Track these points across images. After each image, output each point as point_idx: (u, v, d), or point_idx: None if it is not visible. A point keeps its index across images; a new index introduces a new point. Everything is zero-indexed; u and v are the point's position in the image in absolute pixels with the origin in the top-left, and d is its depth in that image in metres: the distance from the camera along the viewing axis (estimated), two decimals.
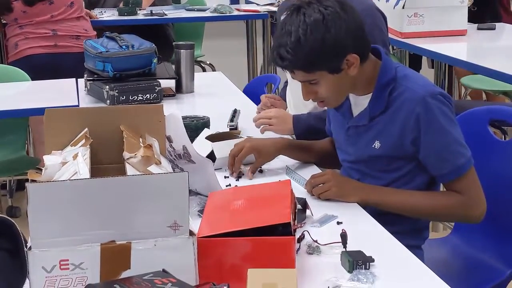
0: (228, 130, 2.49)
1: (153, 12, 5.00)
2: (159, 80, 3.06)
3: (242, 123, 2.60)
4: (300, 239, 1.62)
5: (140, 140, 1.62)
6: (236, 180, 2.08)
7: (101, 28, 4.40)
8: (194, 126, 2.41)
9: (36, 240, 1.22)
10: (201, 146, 2.18)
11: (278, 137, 2.32)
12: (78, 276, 1.24)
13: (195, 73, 3.31)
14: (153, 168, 1.49)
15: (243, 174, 2.12)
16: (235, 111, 2.66)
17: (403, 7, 4.02)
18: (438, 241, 2.34)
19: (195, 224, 1.40)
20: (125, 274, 1.25)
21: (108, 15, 4.98)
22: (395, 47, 4.98)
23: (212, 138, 2.28)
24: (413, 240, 1.96)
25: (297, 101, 2.56)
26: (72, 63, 3.77)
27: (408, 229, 1.96)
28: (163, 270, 1.24)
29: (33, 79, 3.51)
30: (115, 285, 1.18)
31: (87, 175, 1.38)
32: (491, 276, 2.06)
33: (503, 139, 2.87)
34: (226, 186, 2.03)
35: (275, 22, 4.02)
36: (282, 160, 2.19)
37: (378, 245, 1.64)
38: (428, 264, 1.59)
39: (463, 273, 2.19)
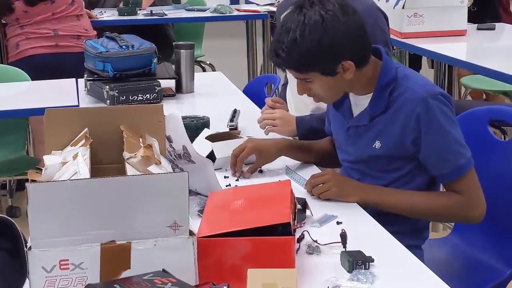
0: (228, 130, 2.49)
1: (153, 12, 5.00)
2: (159, 80, 3.06)
3: (242, 123, 2.60)
4: (300, 239, 1.62)
5: (140, 140, 1.62)
6: (236, 180, 2.09)
7: (101, 28, 4.40)
8: (194, 126, 2.41)
9: (36, 240, 1.22)
10: (201, 146, 2.18)
11: (279, 138, 2.33)
12: (78, 276, 1.24)
13: (195, 73, 3.31)
14: (153, 168, 1.49)
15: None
16: (235, 111, 2.67)
17: (403, 7, 4.02)
18: (438, 241, 2.34)
19: (195, 224, 1.40)
20: (125, 274, 1.25)
21: (108, 15, 4.98)
22: (395, 47, 4.98)
23: (212, 138, 2.28)
24: (413, 240, 1.97)
25: (297, 101, 2.56)
26: (73, 63, 3.77)
27: (408, 229, 1.96)
28: (163, 270, 1.24)
29: (34, 79, 3.51)
30: (115, 285, 1.18)
31: (87, 175, 1.38)
32: (491, 276, 2.06)
33: (503, 139, 2.87)
34: (226, 186, 2.03)
35: (275, 22, 4.02)
36: (282, 160, 2.19)
37: (378, 245, 1.64)
38: (428, 264, 1.59)
39: (463, 273, 2.19)
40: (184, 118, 2.35)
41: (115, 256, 1.25)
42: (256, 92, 3.32)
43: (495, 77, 3.33)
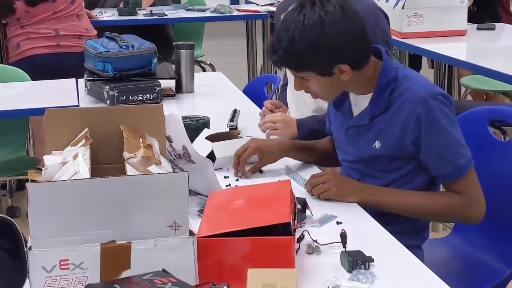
0: (228, 130, 2.49)
1: (153, 12, 5.00)
2: (159, 80, 3.06)
3: (242, 123, 2.60)
4: (299, 239, 1.62)
5: (140, 140, 1.62)
6: (236, 180, 2.09)
7: (101, 28, 4.40)
8: (194, 126, 2.41)
9: (36, 240, 1.22)
10: (201, 146, 2.18)
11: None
12: (78, 276, 1.24)
13: (195, 73, 3.31)
14: (153, 168, 1.49)
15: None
16: (235, 111, 2.67)
17: (402, 7, 4.02)
18: (438, 241, 2.35)
19: (195, 224, 1.40)
20: (125, 274, 1.25)
21: (108, 15, 4.98)
22: (395, 47, 4.98)
23: (212, 138, 2.28)
24: (413, 240, 1.97)
25: (298, 101, 2.56)
26: (74, 62, 3.77)
27: (408, 229, 1.96)
28: (163, 270, 1.24)
29: (35, 79, 3.51)
30: (115, 285, 1.18)
31: (87, 175, 1.38)
32: (490, 276, 2.07)
33: (503, 139, 2.87)
34: (226, 186, 2.03)
35: (275, 22, 4.02)
36: (282, 160, 2.18)
37: (378, 245, 1.64)
38: (428, 264, 1.59)
39: (463, 273, 2.19)
40: (184, 118, 2.35)
41: (115, 256, 1.25)
42: (256, 92, 3.32)
43: (495, 77, 3.33)
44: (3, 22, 4.18)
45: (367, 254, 1.53)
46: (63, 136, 1.62)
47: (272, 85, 3.47)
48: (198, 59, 5.45)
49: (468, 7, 4.16)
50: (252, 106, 2.96)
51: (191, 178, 1.35)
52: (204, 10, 5.30)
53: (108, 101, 2.93)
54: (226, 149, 2.18)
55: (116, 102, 2.91)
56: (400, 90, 1.91)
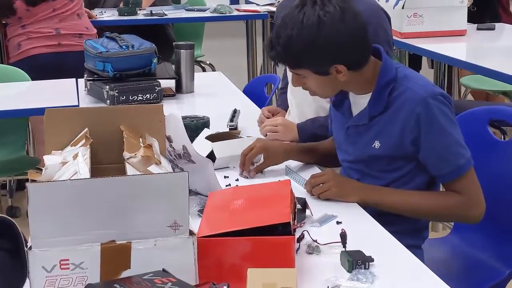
0: (228, 130, 2.49)
1: (153, 12, 5.00)
2: (159, 80, 3.06)
3: (242, 123, 2.60)
4: (299, 239, 1.63)
5: (140, 140, 1.62)
6: (236, 180, 2.09)
7: (101, 28, 4.40)
8: (194, 126, 2.41)
9: (36, 240, 1.22)
10: (201, 146, 2.18)
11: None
12: (78, 275, 1.24)
13: (195, 73, 3.31)
14: (153, 168, 1.49)
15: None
16: (235, 111, 2.67)
17: (402, 7, 4.02)
18: (438, 241, 2.35)
19: (195, 224, 1.40)
20: (125, 274, 1.25)
21: (108, 15, 4.98)
22: (394, 47, 4.98)
23: (212, 138, 2.28)
24: (413, 240, 1.97)
25: (298, 101, 2.57)
26: (75, 61, 3.76)
27: (407, 229, 1.96)
28: (163, 270, 1.24)
29: (35, 79, 3.51)
30: (115, 285, 1.18)
31: (87, 175, 1.39)
32: (490, 275, 2.07)
33: (502, 139, 2.87)
34: (226, 186, 2.03)
35: (275, 22, 4.02)
36: None
37: (378, 245, 1.64)
38: (427, 264, 1.59)
39: (463, 273, 2.19)
40: (184, 118, 2.35)
41: (115, 256, 1.25)
42: (256, 92, 3.32)
43: (495, 77, 3.33)
44: (3, 22, 4.18)
45: (367, 254, 1.54)
46: (63, 136, 1.62)
47: (272, 85, 3.47)
48: (198, 59, 5.45)
49: (468, 7, 4.16)
50: (252, 106, 2.97)
51: (191, 178, 1.35)
52: (204, 10, 5.30)
53: (108, 101, 2.93)
54: (226, 149, 2.18)
55: (116, 102, 2.91)
56: (399, 90, 1.91)
